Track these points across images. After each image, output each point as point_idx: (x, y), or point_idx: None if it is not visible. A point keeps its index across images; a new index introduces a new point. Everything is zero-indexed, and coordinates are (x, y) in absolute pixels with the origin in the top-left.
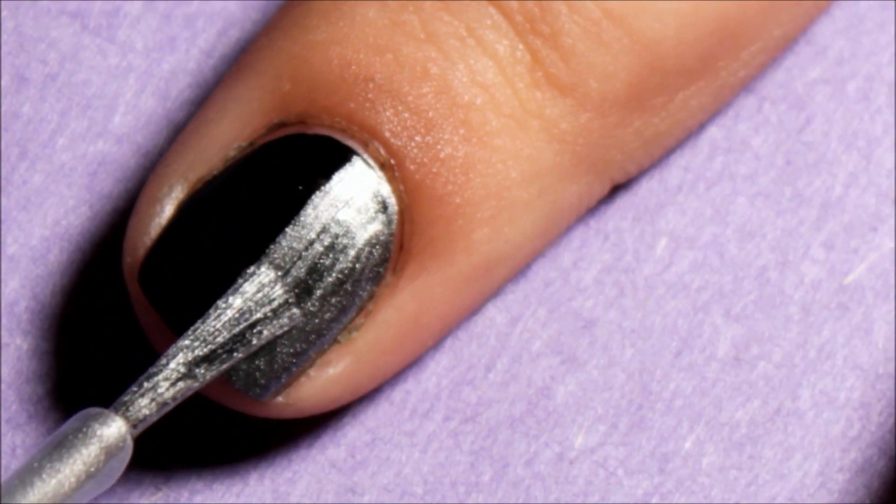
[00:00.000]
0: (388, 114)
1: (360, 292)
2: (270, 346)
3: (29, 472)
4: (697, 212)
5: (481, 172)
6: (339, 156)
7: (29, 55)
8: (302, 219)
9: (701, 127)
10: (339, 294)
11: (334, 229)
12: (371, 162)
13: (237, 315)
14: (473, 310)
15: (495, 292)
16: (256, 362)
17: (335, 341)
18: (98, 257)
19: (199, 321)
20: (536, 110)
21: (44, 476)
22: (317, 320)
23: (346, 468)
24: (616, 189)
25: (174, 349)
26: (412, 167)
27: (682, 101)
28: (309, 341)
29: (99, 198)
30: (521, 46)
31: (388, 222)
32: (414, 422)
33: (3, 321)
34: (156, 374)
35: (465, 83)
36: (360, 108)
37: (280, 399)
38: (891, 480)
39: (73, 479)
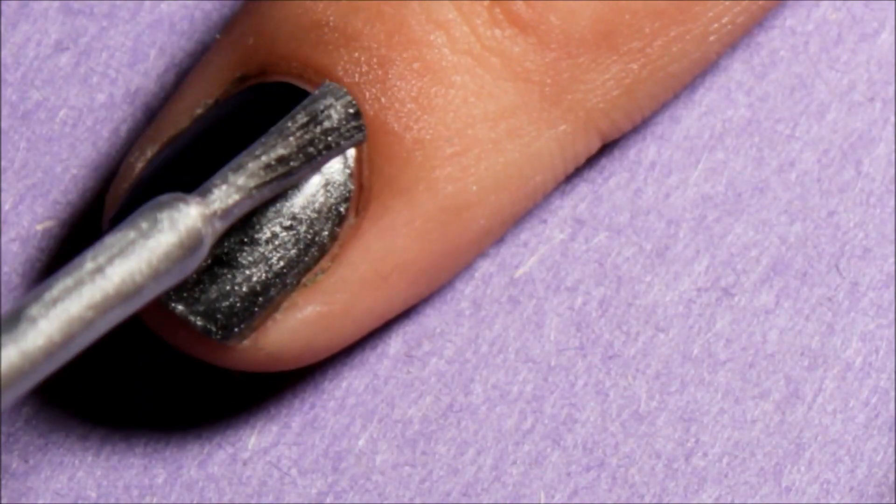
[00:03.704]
0: (341, 53)
1: (322, 232)
2: (230, 287)
3: (85, 270)
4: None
5: (439, 108)
6: (295, 100)
7: (27, 43)
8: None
9: (693, 125)
10: (293, 233)
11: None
12: None
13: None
14: (452, 263)
15: (479, 247)
16: (217, 303)
17: (301, 285)
18: None
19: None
20: (496, 48)
21: (106, 272)
22: (272, 259)
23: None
24: (607, 146)
25: (257, 146)
26: (366, 105)
27: (661, 47)
28: (267, 281)
29: (98, 193)
30: None
31: (344, 159)
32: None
33: None
34: (239, 165)
35: (421, 21)
36: (314, 51)
37: (246, 343)
38: (891, 480)
39: (138, 276)
